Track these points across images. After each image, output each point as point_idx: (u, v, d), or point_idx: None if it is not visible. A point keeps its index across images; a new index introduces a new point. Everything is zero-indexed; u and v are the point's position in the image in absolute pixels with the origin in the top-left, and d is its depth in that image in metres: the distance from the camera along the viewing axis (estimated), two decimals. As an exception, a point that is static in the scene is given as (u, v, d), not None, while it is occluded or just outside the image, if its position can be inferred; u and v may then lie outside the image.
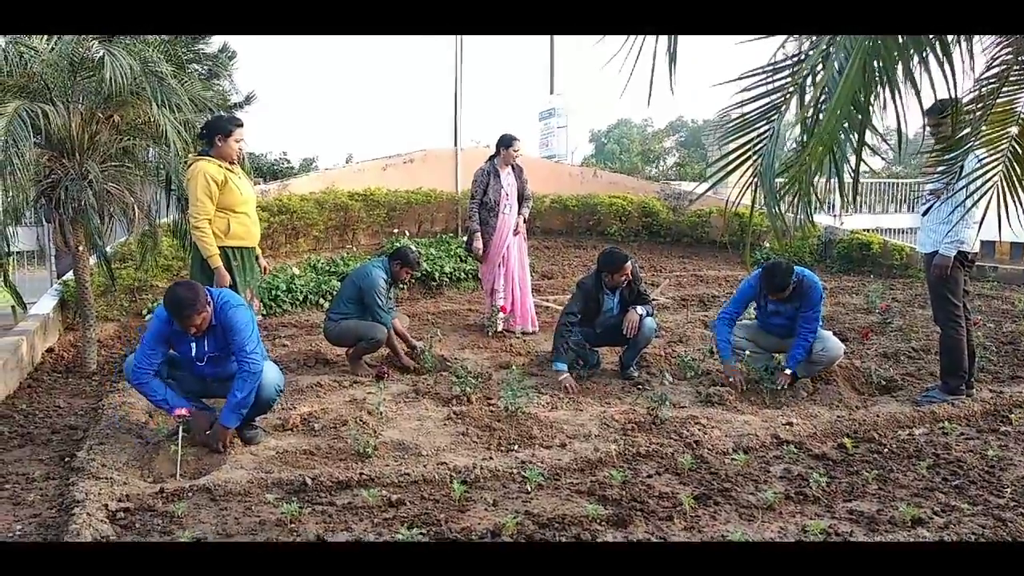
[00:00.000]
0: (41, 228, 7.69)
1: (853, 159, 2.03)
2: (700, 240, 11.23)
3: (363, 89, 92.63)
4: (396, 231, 10.35)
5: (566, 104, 15.35)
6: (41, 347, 5.92)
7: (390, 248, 9.57)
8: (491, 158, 6.83)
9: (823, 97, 1.84)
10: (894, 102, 1.82)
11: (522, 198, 6.85)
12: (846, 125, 1.85)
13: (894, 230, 17.22)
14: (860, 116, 1.80)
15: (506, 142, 6.75)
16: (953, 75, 1.83)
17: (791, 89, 2.07)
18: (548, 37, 17.94)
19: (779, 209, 2.09)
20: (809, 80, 1.96)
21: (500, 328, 6.62)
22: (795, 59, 2.09)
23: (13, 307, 7.32)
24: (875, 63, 1.75)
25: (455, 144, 11.97)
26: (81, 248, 5.39)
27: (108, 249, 5.86)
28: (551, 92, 16.50)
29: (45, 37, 5.01)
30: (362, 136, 76.33)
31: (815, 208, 2.27)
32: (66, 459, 3.70)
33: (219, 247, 4.59)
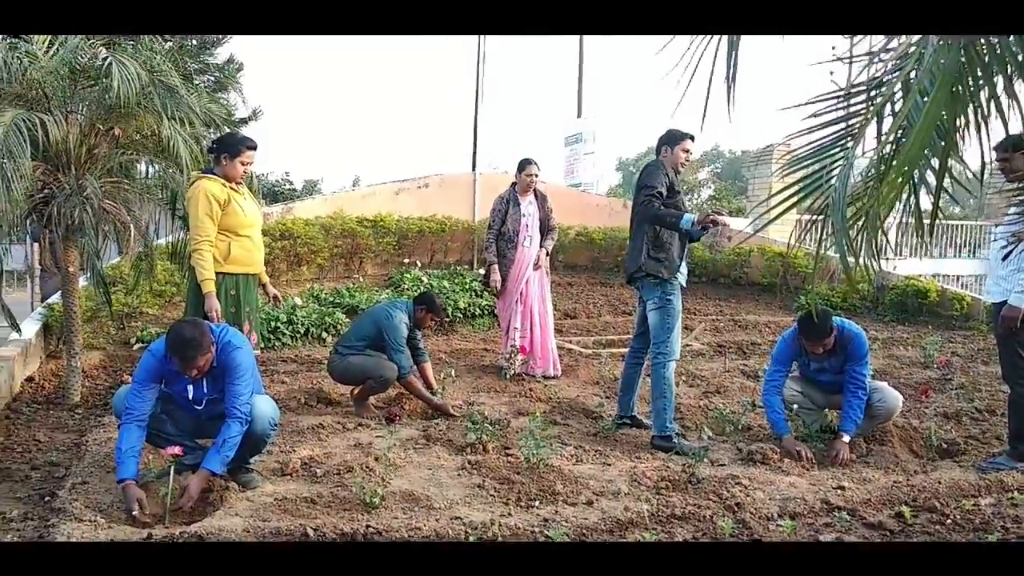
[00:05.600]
0: (27, 246, 7.80)
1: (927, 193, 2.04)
2: (739, 282, 11.23)
3: (372, 109, 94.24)
4: (407, 261, 10.44)
5: (594, 129, 15.51)
6: (21, 376, 5.97)
7: (399, 279, 9.68)
8: (512, 185, 6.90)
9: (903, 124, 1.85)
10: (978, 130, 1.83)
11: (545, 229, 6.89)
12: (927, 153, 1.86)
13: (952, 277, 17.12)
14: (944, 143, 1.81)
15: (520, 166, 6.82)
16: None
17: (867, 116, 2.09)
18: (577, 57, 18.18)
19: (850, 245, 2.09)
20: (888, 107, 1.98)
21: (518, 371, 6.61)
22: (874, 82, 2.12)
23: (-8, 331, 7.42)
24: (960, 87, 1.77)
25: (473, 169, 12.11)
26: (71, 269, 5.46)
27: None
28: (579, 116, 16.66)
29: (46, 43, 5.14)
30: (370, 159, 77.56)
31: (884, 247, 2.28)
32: (46, 498, 3.71)
33: (217, 273, 4.64)
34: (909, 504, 3.90)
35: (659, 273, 4.88)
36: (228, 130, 6.05)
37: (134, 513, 3.42)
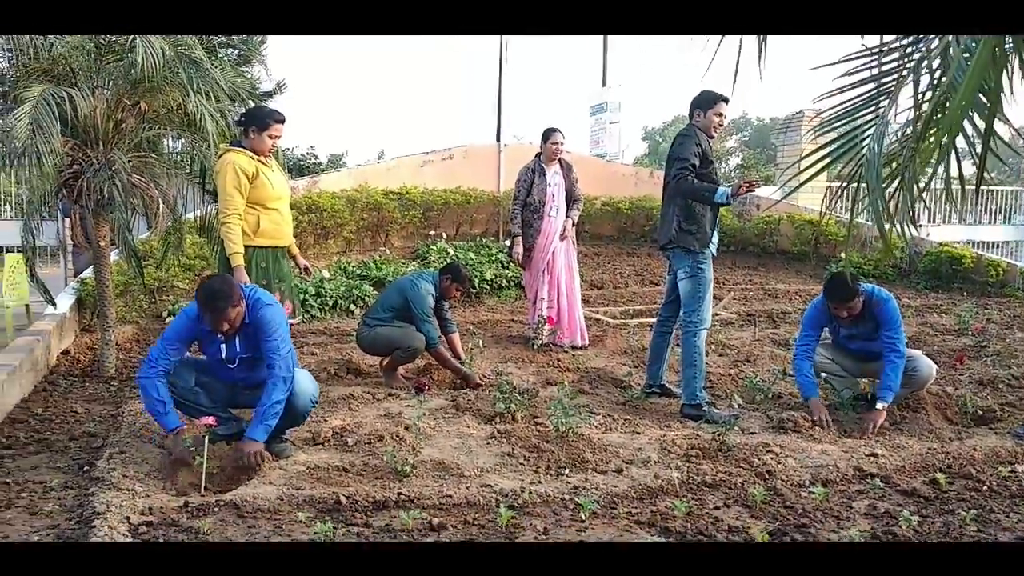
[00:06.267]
0: (59, 222, 7.92)
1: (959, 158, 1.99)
2: (768, 250, 11.10)
3: (396, 81, 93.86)
4: (432, 233, 10.44)
5: (619, 99, 15.33)
6: (57, 349, 6.09)
7: (424, 251, 9.70)
8: (537, 155, 6.85)
9: (944, 82, 1.79)
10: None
11: (571, 199, 6.85)
12: (970, 113, 1.80)
13: (987, 243, 16.80)
14: (988, 103, 1.75)
15: (545, 135, 6.77)
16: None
17: (903, 73, 2.02)
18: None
19: (886, 206, 2.04)
20: (925, 64, 1.92)
21: (546, 341, 6.61)
22: (911, 40, 2.05)
23: (27, 306, 7.57)
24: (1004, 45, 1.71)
25: (497, 140, 12.04)
26: (103, 244, 5.53)
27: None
28: (603, 85, 16.48)
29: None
30: (395, 131, 77.45)
31: (920, 211, 2.23)
32: (85, 468, 3.79)
33: (246, 246, 4.67)
34: (944, 471, 3.86)
35: (691, 246, 4.84)
36: (253, 103, 6.06)
37: (187, 460, 3.57)
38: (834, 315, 4.71)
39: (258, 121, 4.72)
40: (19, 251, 5.77)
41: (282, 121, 4.78)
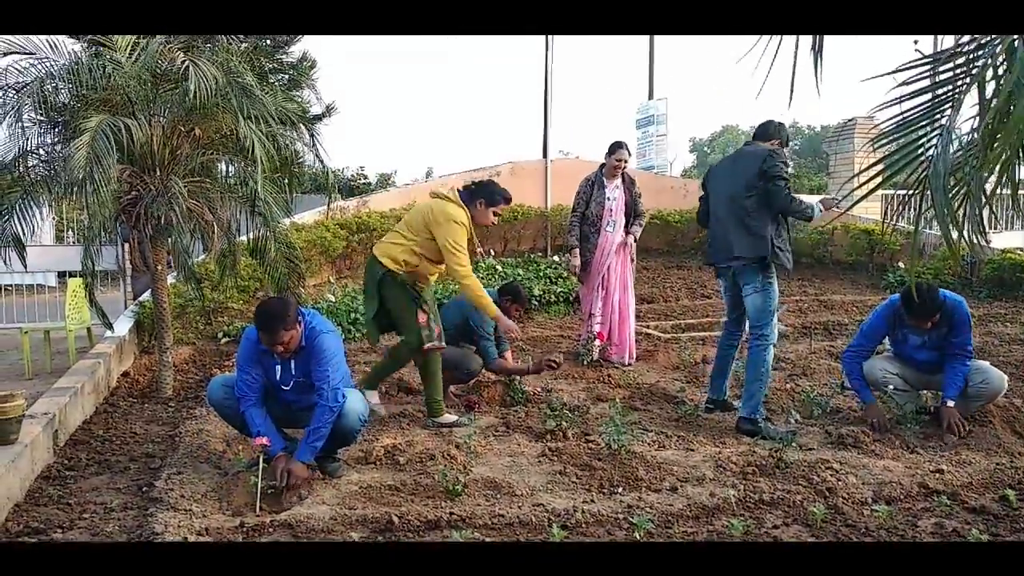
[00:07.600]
0: (118, 247, 8.14)
1: None
2: (822, 261, 10.90)
3: (443, 100, 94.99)
4: (480, 250, 10.46)
5: (667, 110, 15.24)
6: (117, 371, 6.25)
7: (472, 268, 9.71)
8: (601, 167, 6.78)
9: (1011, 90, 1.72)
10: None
11: (633, 214, 6.76)
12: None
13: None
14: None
15: (611, 149, 6.70)
16: None
17: (967, 80, 1.95)
18: (648, 37, 17.88)
19: (952, 217, 1.97)
20: (990, 72, 1.84)
21: (596, 357, 6.56)
22: (972, 44, 1.99)
23: (89, 329, 7.78)
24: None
25: (544, 156, 12.05)
26: (160, 268, 5.66)
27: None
28: (650, 97, 16.40)
29: (128, 48, 5.32)
30: (442, 150, 78.35)
31: (990, 218, 2.16)
32: (144, 488, 3.86)
33: (391, 271, 4.80)
34: (1014, 487, 3.71)
35: (785, 263, 4.74)
36: (304, 127, 6.17)
37: (282, 485, 3.62)
38: (914, 327, 4.62)
39: (488, 195, 4.91)
40: (80, 275, 5.93)
41: (508, 201, 5.01)
